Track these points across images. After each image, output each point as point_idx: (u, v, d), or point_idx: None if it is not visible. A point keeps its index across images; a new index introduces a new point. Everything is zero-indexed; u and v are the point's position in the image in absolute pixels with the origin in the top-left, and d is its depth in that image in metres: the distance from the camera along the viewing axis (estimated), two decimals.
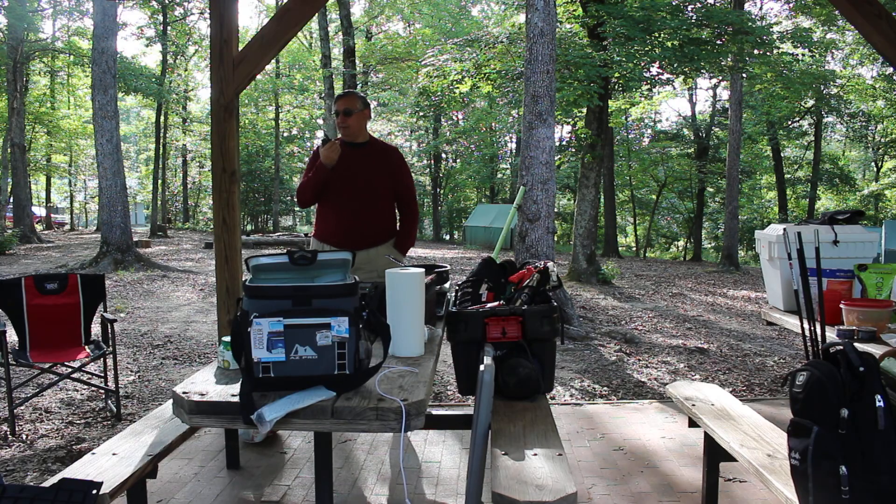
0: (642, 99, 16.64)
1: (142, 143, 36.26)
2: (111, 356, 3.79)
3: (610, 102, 12.51)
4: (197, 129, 30.37)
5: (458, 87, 12.05)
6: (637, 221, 27.78)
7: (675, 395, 2.75)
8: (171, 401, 1.91)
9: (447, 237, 30.88)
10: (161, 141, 24.40)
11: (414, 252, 18.80)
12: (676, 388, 2.86)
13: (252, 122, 29.63)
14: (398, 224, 3.35)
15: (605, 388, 4.57)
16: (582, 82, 9.89)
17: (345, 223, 3.17)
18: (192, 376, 1.87)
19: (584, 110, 10.86)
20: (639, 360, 5.49)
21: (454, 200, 32.30)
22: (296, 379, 1.65)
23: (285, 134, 31.12)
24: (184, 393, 1.68)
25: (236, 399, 1.62)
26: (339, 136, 3.32)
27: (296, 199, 3.34)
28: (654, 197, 26.16)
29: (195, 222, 31.74)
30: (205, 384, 1.77)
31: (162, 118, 24.78)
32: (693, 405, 2.60)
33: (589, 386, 4.63)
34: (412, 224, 3.36)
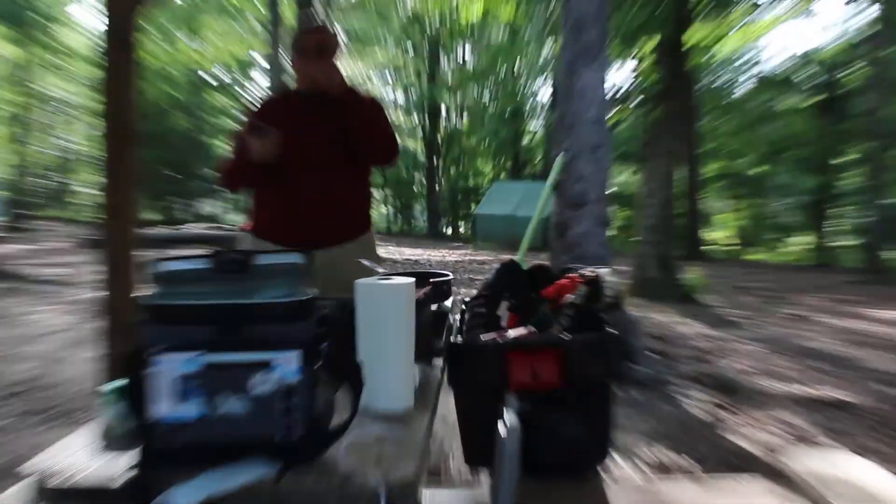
0: (739, 25, 16.61)
1: None
2: None
3: (691, 31, 12.48)
4: (77, 72, 30.41)
5: (464, 10, 12.06)
6: (737, 207, 27.78)
7: (797, 470, 2.73)
8: (21, 483, 1.88)
9: (448, 231, 30.92)
10: (24, 89, 24.47)
11: (400, 253, 18.80)
12: (798, 459, 2.83)
13: (160, 61, 29.67)
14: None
15: (689, 459, 4.54)
16: (649, 1, 9.88)
17: (298, 211, 3.19)
18: (58, 444, 1.85)
19: (653, 43, 10.84)
20: (739, 416, 5.47)
21: (459, 177, 32.36)
22: (220, 446, 1.63)
23: (210, 80, 31.22)
24: (43, 472, 1.65)
25: (125, 482, 1.60)
26: (297, 85, 3.34)
27: (219, 180, 3.34)
28: (758, 171, 26.16)
29: (70, 209, 31.82)
30: (75, 458, 1.75)
31: (24, 54, 24.86)
32: (824, 486, 2.58)
33: (664, 454, 4.60)
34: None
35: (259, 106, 3.43)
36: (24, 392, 5.86)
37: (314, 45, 3.21)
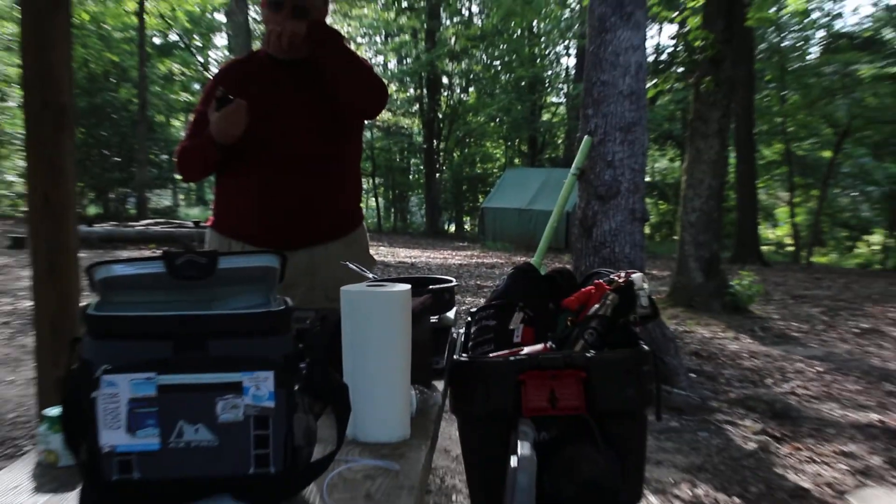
0: None
1: None
2: None
3: None
4: None
5: None
6: (798, 199, 27.69)
7: None
8: None
9: (451, 228, 30.91)
10: None
11: (393, 254, 18.78)
12: (867, 499, 2.85)
13: (97, 18, 29.58)
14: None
15: (738, 500, 4.54)
16: None
17: (271, 203, 3.17)
18: None
19: None
20: (797, 448, 5.48)
21: (465, 162, 32.32)
22: (179, 483, 1.65)
23: (157, 41, 31.13)
24: None
25: None
26: (268, 45, 3.23)
27: (175, 166, 3.29)
28: (827, 155, 26.04)
29: None
30: (12, 495, 1.77)
31: None
32: None
33: (707, 495, 4.60)
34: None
35: (218, 72, 3.38)
36: None
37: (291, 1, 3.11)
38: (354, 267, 2.93)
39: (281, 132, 3.14)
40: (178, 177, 3.34)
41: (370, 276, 2.81)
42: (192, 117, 3.28)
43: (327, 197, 3.23)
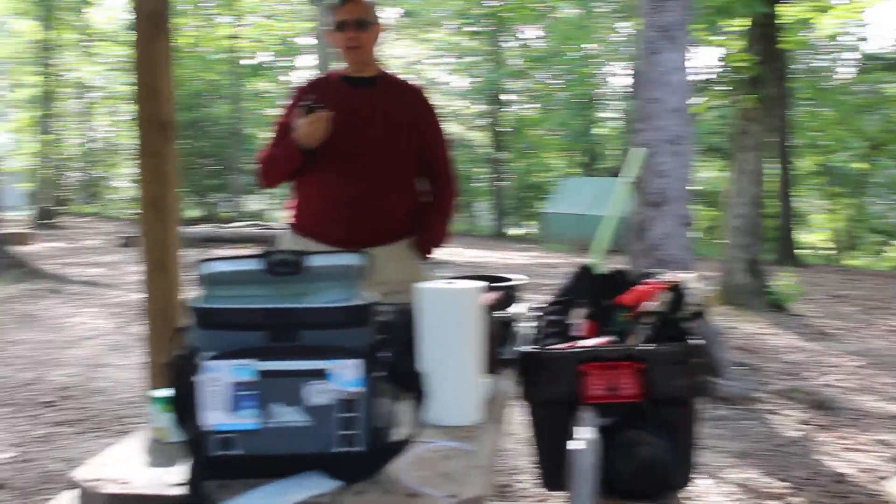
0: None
1: (15, 76, 36.83)
2: None
3: (785, 8, 12.27)
4: (106, 53, 30.74)
5: None
6: (832, 207, 27.23)
7: None
8: (68, 493, 1.93)
9: (516, 231, 30.85)
10: (48, 71, 24.62)
11: (460, 255, 18.79)
12: None
13: (196, 41, 29.88)
14: (424, 207, 3.40)
15: (781, 484, 4.48)
16: None
17: (339, 208, 3.21)
18: (105, 453, 1.89)
19: (744, 22, 10.68)
20: (837, 437, 5.39)
21: (527, 171, 32.24)
22: (274, 459, 1.66)
23: (250, 61, 31.42)
24: (91, 481, 1.69)
25: (179, 491, 1.63)
26: (334, 68, 3.36)
27: (256, 172, 3.39)
28: (860, 167, 25.59)
29: (105, 204, 32.33)
30: (126, 466, 1.79)
31: (48, 34, 25.02)
32: None
33: (753, 479, 4.55)
34: (447, 207, 3.43)
35: (301, 87, 3.42)
36: (67, 399, 6.00)
37: (352, 17, 3.17)
38: (423, 265, 2.94)
39: (351, 144, 3.18)
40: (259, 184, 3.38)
41: (445, 274, 2.81)
42: (274, 128, 3.33)
43: (388, 204, 3.26)
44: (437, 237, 3.40)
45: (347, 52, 3.23)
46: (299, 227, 3.31)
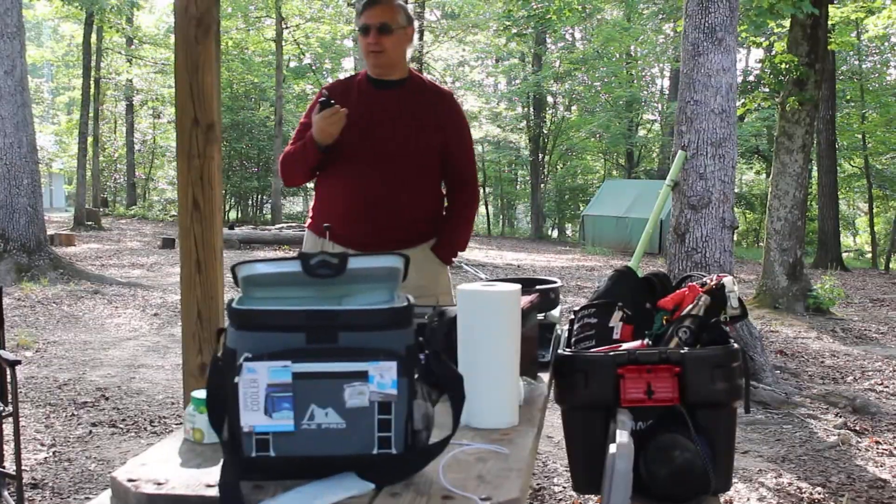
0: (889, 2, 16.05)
1: (61, 78, 37.21)
2: (9, 420, 3.84)
3: (832, 9, 12.12)
4: (150, 56, 31.12)
5: None
6: (877, 210, 26.84)
7: None
8: (105, 493, 1.94)
9: (554, 233, 30.78)
10: (92, 74, 24.93)
11: (501, 257, 18.81)
12: None
13: (239, 44, 30.08)
14: (445, 212, 3.43)
15: (820, 489, 4.44)
16: None
17: (361, 209, 3.22)
18: (143, 454, 1.90)
19: (788, 24, 10.58)
20: (877, 442, 5.32)
21: (567, 174, 32.17)
22: (311, 461, 1.66)
23: (293, 64, 31.62)
24: (129, 481, 1.70)
25: (215, 492, 1.63)
26: (365, 68, 3.38)
27: (279, 170, 3.44)
28: None
29: (146, 206, 32.70)
30: (163, 467, 1.80)
31: (94, 37, 25.34)
32: None
33: (791, 484, 4.50)
34: (467, 214, 3.46)
35: (324, 87, 3.47)
36: (105, 399, 6.08)
37: (375, 21, 3.19)
38: (470, 269, 2.93)
39: (373, 146, 3.20)
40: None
41: (482, 276, 2.80)
42: (298, 127, 3.37)
43: (410, 207, 3.26)
44: (459, 243, 3.41)
45: (369, 55, 3.27)
46: (317, 228, 3.32)
